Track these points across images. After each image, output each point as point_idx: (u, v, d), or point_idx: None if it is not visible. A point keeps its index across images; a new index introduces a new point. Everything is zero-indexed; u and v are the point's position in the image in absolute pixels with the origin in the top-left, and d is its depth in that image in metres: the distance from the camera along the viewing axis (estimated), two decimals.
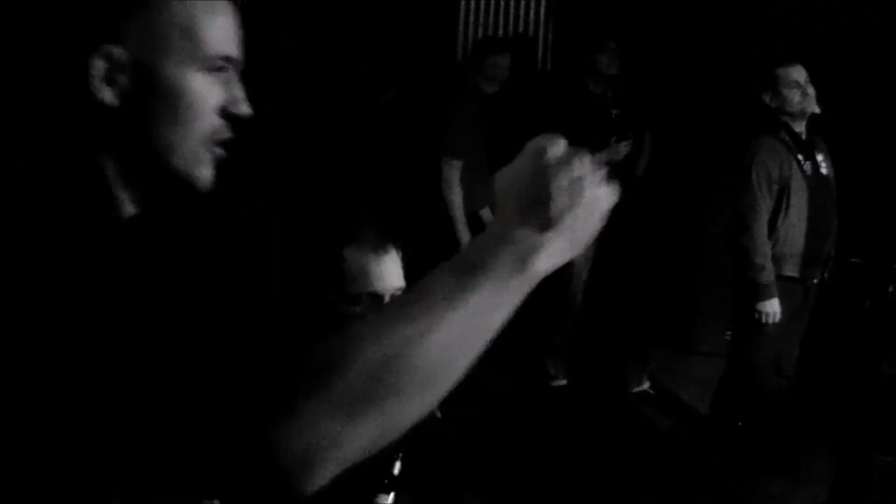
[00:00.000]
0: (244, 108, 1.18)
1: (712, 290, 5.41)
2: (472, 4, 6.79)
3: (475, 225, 4.46)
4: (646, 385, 5.22)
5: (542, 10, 6.74)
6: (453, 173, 4.39)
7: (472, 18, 6.82)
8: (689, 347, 5.69)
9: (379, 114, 4.70)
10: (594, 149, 4.37)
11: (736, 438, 4.28)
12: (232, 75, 1.18)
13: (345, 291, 1.76)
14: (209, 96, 1.14)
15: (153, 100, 1.12)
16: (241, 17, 1.17)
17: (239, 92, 1.18)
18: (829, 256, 4.09)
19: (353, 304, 1.75)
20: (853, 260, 5.06)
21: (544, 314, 5.02)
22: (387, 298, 1.77)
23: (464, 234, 4.41)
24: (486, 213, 4.62)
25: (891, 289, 4.82)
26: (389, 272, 1.79)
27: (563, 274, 4.86)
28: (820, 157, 3.99)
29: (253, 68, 1.18)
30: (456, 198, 4.41)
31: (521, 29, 6.79)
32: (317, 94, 4.49)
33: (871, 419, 3.93)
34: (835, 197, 4.05)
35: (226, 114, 1.16)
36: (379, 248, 1.80)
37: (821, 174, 3.97)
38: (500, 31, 6.71)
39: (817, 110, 3.92)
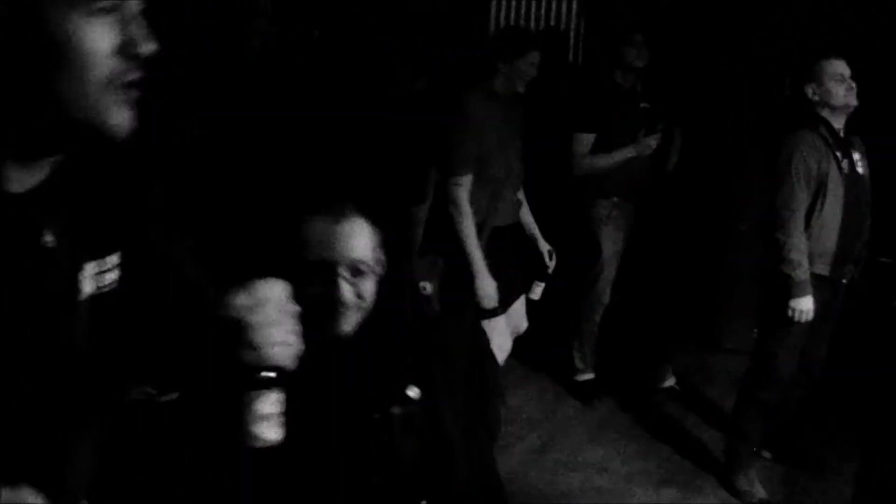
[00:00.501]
0: (146, 47, 1.13)
1: (739, 287, 5.43)
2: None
3: (500, 239, 4.12)
4: (672, 381, 5.23)
5: (574, 4, 6.76)
6: (462, 192, 3.92)
7: (503, 13, 6.85)
8: (716, 344, 5.70)
9: (399, 104, 4.47)
10: (623, 143, 4.37)
11: (759, 434, 4.29)
12: (128, 13, 1.12)
13: (304, 258, 1.82)
14: (99, 41, 1.09)
15: (42, 53, 1.07)
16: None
17: (138, 30, 1.13)
18: (860, 256, 4.07)
19: (313, 271, 1.80)
20: (882, 259, 5.06)
21: (572, 310, 5.05)
22: (342, 269, 1.82)
23: (478, 263, 3.91)
24: (524, 216, 4.34)
25: None
26: (349, 244, 1.83)
27: (591, 270, 4.90)
28: (857, 156, 3.97)
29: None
30: (465, 222, 3.91)
31: (552, 23, 6.81)
32: (341, 89, 4.42)
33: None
34: (869, 197, 4.03)
35: (125, 55, 1.11)
36: (342, 218, 1.85)
37: (857, 173, 3.96)
38: (532, 25, 6.73)
39: (856, 104, 3.91)
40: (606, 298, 4.96)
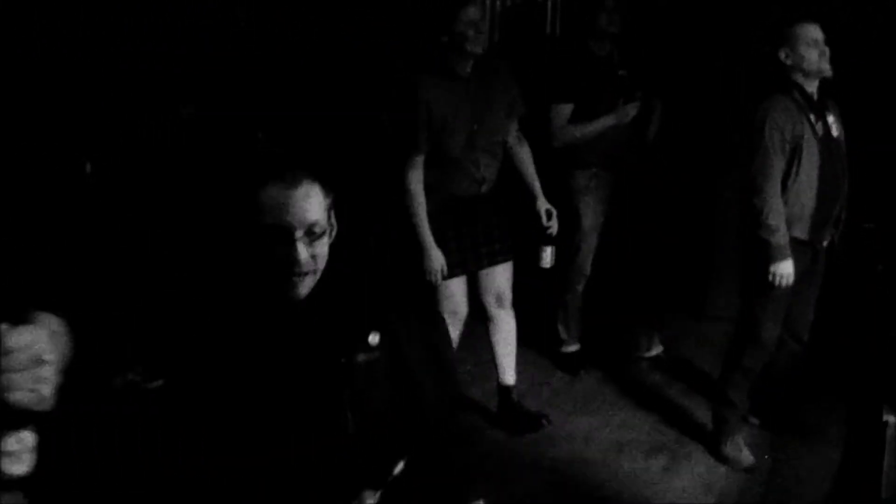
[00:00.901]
0: None
1: (725, 254, 5.40)
2: None
3: (458, 209, 4.14)
4: (658, 350, 5.22)
5: None
6: (409, 173, 3.98)
7: None
8: (702, 312, 5.68)
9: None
10: (602, 112, 4.34)
11: (746, 401, 4.28)
12: None
13: (258, 222, 1.88)
14: None
15: None
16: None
17: None
18: (839, 219, 4.06)
19: (270, 235, 1.88)
20: (866, 225, 5.05)
21: (555, 279, 5.02)
22: (298, 233, 1.88)
23: (426, 238, 4.01)
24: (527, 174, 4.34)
25: None
26: (302, 207, 1.89)
27: (572, 241, 4.86)
28: (831, 119, 3.95)
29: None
30: (411, 202, 3.98)
31: None
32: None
33: (884, 381, 3.90)
34: (846, 159, 4.01)
35: None
36: (295, 184, 1.90)
37: (832, 136, 3.94)
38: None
39: (830, 73, 3.88)
40: (588, 269, 4.93)
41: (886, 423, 3.56)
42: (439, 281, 4.07)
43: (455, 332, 4.20)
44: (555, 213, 4.31)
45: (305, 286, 1.93)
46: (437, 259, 4.03)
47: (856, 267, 4.93)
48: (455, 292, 4.20)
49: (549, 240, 4.29)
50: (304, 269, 1.91)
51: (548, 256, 4.29)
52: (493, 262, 4.27)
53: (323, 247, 1.95)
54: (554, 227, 4.30)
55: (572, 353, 5.08)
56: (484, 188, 4.16)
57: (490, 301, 4.35)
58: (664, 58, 5.28)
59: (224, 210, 1.96)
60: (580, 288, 4.99)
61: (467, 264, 4.21)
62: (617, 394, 4.85)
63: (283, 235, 1.89)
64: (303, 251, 1.89)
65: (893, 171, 4.88)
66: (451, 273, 4.11)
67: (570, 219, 4.84)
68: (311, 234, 1.91)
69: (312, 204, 1.91)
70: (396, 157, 4.03)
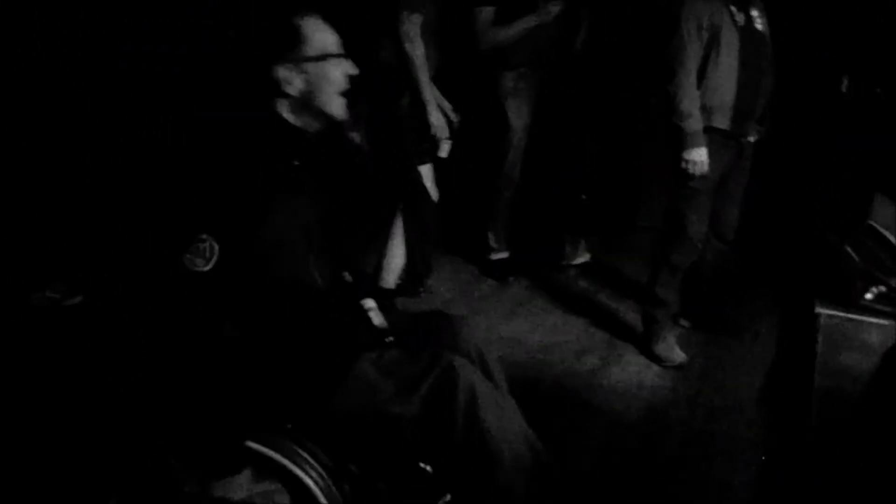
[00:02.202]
0: None
1: (652, 163, 5.33)
2: None
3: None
4: (587, 257, 5.15)
5: None
6: (413, 27, 4.18)
7: None
8: (631, 222, 5.62)
9: None
10: (523, 11, 4.28)
11: (676, 300, 4.24)
12: None
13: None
14: None
15: None
16: None
17: None
18: (763, 115, 4.00)
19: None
20: (796, 134, 5.03)
21: (483, 186, 4.91)
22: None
23: (429, 95, 4.26)
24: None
25: (832, 163, 4.81)
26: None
27: (500, 144, 4.75)
28: (755, 13, 3.88)
29: None
30: (418, 54, 4.20)
31: None
32: None
33: (813, 276, 3.89)
34: (770, 54, 3.95)
35: None
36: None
37: (755, 28, 3.87)
38: None
39: None
40: (517, 174, 4.82)
41: (819, 314, 3.54)
42: (446, 133, 4.34)
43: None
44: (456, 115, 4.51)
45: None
46: (440, 116, 4.31)
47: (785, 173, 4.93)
48: (426, 176, 4.33)
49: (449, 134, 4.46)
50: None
51: (447, 148, 4.47)
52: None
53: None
54: (456, 121, 4.50)
55: (501, 261, 4.98)
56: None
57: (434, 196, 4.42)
58: None
59: None
60: (508, 194, 4.88)
61: (434, 151, 4.40)
62: (546, 299, 4.77)
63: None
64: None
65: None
66: (424, 158, 4.32)
67: (497, 121, 4.74)
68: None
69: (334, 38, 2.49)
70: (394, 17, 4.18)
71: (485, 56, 4.67)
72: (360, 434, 2.38)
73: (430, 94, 4.26)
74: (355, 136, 4.11)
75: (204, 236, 2.30)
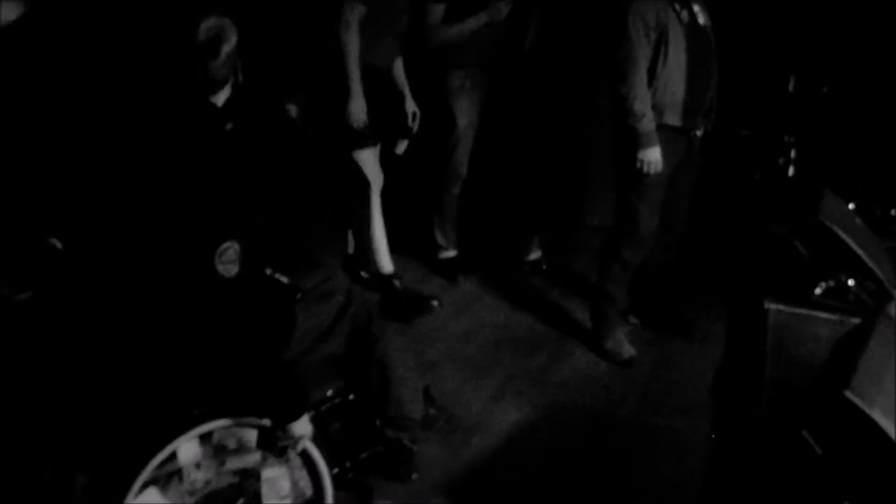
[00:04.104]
0: None
1: (601, 163, 5.31)
2: None
3: (374, 78, 4.30)
4: (537, 254, 5.11)
5: None
6: (353, 17, 4.15)
7: None
8: (580, 221, 5.59)
9: None
10: (473, 9, 4.27)
11: (625, 296, 4.22)
12: None
13: None
14: None
15: None
16: None
17: None
18: (710, 107, 4.01)
19: None
20: (743, 132, 5.04)
21: (431, 184, 4.86)
22: None
23: (355, 84, 4.19)
24: (396, 69, 4.52)
25: (781, 160, 4.82)
26: None
27: (447, 142, 4.70)
28: (696, 8, 3.90)
29: None
30: (351, 43, 4.17)
31: None
32: None
33: (762, 272, 3.89)
34: (713, 48, 3.97)
35: None
36: None
37: (698, 24, 3.89)
38: None
39: None
40: (464, 171, 4.77)
41: (768, 310, 3.54)
42: (361, 124, 4.25)
43: (375, 199, 4.45)
44: (419, 115, 4.55)
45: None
46: (361, 106, 4.21)
47: (735, 175, 4.94)
48: (368, 161, 4.36)
49: (407, 133, 4.56)
50: None
51: (403, 147, 4.58)
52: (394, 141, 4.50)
53: None
54: (415, 127, 4.56)
55: (450, 259, 4.93)
56: (395, 62, 4.45)
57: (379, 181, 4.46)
58: None
59: None
60: (456, 191, 4.83)
61: (380, 133, 4.41)
62: (496, 296, 4.73)
63: None
64: None
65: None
66: (364, 143, 4.32)
67: (445, 119, 4.70)
68: None
69: None
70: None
71: (434, 53, 4.63)
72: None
73: (356, 84, 4.20)
74: (292, 110, 4.23)
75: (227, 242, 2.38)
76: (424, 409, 3.26)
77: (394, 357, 3.06)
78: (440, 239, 4.91)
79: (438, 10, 4.55)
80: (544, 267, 5.07)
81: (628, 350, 4.11)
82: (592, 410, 3.77)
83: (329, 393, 2.92)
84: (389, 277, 4.56)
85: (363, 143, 4.32)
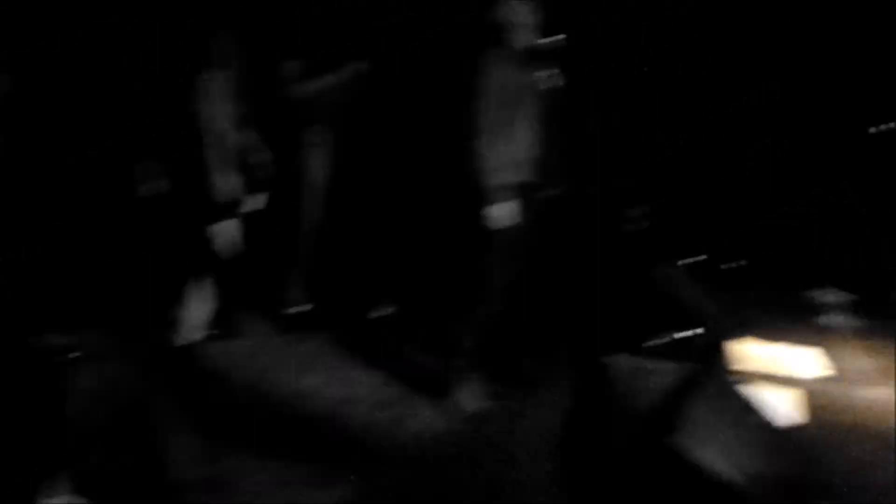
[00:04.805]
0: None
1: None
2: None
3: None
4: (389, 309, 5.11)
5: None
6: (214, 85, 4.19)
7: None
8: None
9: None
10: (329, 67, 4.32)
11: (473, 352, 4.25)
12: None
13: None
14: None
15: None
16: None
17: None
18: (559, 168, 4.14)
19: None
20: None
21: (283, 238, 4.84)
22: None
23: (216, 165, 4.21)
24: None
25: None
26: None
27: (298, 196, 4.71)
28: (550, 71, 4.03)
29: None
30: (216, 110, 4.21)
31: None
32: None
33: (603, 324, 3.99)
34: (563, 109, 4.10)
35: None
36: None
37: (550, 85, 4.03)
38: None
39: None
40: (315, 225, 4.77)
41: (607, 363, 3.63)
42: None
43: None
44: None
45: None
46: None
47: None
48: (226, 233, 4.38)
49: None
50: None
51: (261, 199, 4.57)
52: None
53: None
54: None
55: (300, 313, 4.89)
56: None
57: None
58: None
59: None
60: (308, 246, 4.83)
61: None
62: (345, 352, 4.68)
63: None
64: None
65: None
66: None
67: (299, 173, 4.72)
68: None
69: None
70: None
71: (289, 109, 4.64)
72: None
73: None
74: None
75: None
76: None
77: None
78: (291, 292, 4.88)
79: (294, 67, 4.59)
80: (394, 317, 5.08)
81: (473, 403, 4.13)
82: (441, 464, 3.77)
83: None
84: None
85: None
